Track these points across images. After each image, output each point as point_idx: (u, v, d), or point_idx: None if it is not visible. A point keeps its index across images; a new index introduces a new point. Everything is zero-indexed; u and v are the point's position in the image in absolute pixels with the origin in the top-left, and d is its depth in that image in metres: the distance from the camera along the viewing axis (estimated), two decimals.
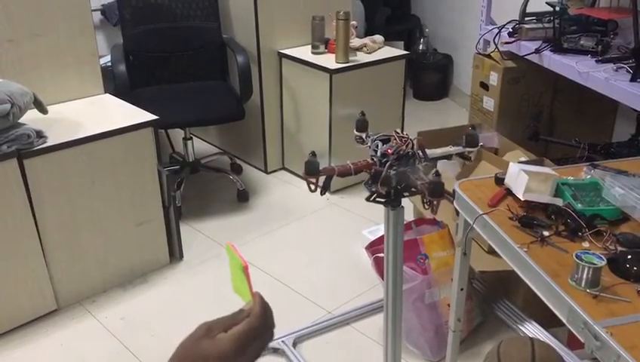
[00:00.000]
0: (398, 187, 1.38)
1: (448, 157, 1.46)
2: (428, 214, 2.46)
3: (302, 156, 3.41)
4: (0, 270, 2.19)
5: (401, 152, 1.37)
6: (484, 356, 1.90)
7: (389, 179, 1.35)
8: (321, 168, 1.35)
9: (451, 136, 2.80)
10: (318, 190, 1.36)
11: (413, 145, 1.39)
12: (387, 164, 1.35)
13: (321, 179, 1.38)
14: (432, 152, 1.43)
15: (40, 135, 2.17)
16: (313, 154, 1.35)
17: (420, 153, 1.39)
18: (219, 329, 0.78)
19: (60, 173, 2.24)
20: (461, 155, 1.48)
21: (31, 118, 2.22)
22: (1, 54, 2.34)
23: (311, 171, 1.34)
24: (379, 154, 1.39)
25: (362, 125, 1.50)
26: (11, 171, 2.11)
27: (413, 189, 1.38)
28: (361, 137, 1.50)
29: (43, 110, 2.28)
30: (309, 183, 1.34)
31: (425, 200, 1.34)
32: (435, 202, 1.32)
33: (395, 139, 1.41)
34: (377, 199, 1.41)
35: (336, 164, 1.40)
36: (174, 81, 3.29)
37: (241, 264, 0.80)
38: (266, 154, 3.47)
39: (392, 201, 1.42)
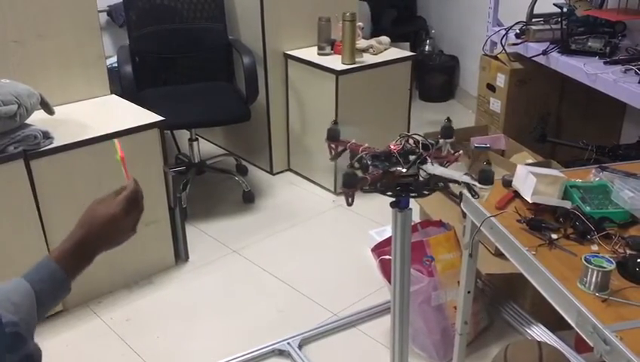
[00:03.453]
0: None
1: (451, 181, 1.36)
2: (434, 216, 2.46)
3: (308, 157, 3.42)
4: (6, 271, 2.19)
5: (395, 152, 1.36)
6: (491, 359, 1.89)
7: (362, 161, 1.37)
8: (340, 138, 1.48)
9: (458, 139, 2.80)
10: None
11: (418, 152, 1.37)
12: (364, 153, 1.38)
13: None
14: (437, 169, 1.36)
15: (46, 136, 2.17)
16: (335, 122, 1.49)
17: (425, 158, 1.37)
18: (108, 201, 1.07)
19: (67, 174, 2.24)
20: (468, 187, 1.35)
21: (37, 119, 2.22)
22: (8, 55, 2.34)
23: (332, 137, 1.49)
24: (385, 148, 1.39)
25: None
26: (18, 172, 2.11)
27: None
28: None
29: (49, 111, 2.29)
30: (330, 148, 1.49)
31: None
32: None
33: (404, 140, 1.39)
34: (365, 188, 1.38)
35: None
36: (180, 82, 3.29)
37: (120, 156, 1.11)
38: (272, 155, 3.47)
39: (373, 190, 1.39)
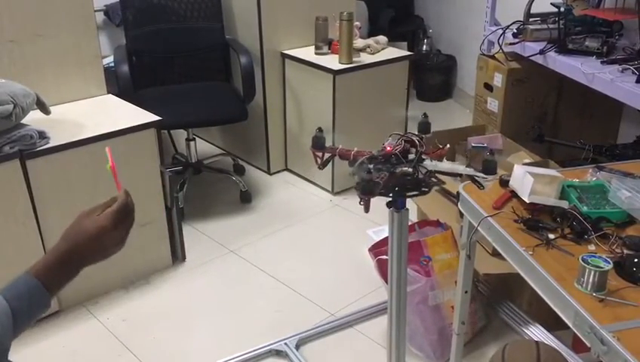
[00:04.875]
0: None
1: (455, 175, 1.39)
2: (431, 216, 2.46)
3: (305, 157, 3.41)
4: (2, 271, 2.18)
5: (396, 152, 1.35)
6: (489, 359, 1.89)
7: (363, 168, 1.34)
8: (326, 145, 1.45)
9: (455, 138, 2.80)
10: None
11: (417, 149, 1.37)
12: (365, 157, 1.36)
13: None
14: (438, 165, 1.37)
15: (42, 136, 2.16)
16: (320, 130, 1.46)
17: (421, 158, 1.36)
18: (96, 213, 1.02)
19: (63, 174, 2.23)
20: (473, 179, 1.39)
21: (34, 119, 2.22)
22: (4, 55, 2.33)
23: (317, 145, 1.47)
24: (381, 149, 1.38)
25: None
26: (14, 172, 2.11)
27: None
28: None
29: (46, 111, 2.28)
30: (315, 156, 1.47)
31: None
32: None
33: (402, 139, 1.39)
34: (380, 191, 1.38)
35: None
36: (177, 81, 3.28)
37: (110, 165, 1.06)
38: (269, 155, 3.46)
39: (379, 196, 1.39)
